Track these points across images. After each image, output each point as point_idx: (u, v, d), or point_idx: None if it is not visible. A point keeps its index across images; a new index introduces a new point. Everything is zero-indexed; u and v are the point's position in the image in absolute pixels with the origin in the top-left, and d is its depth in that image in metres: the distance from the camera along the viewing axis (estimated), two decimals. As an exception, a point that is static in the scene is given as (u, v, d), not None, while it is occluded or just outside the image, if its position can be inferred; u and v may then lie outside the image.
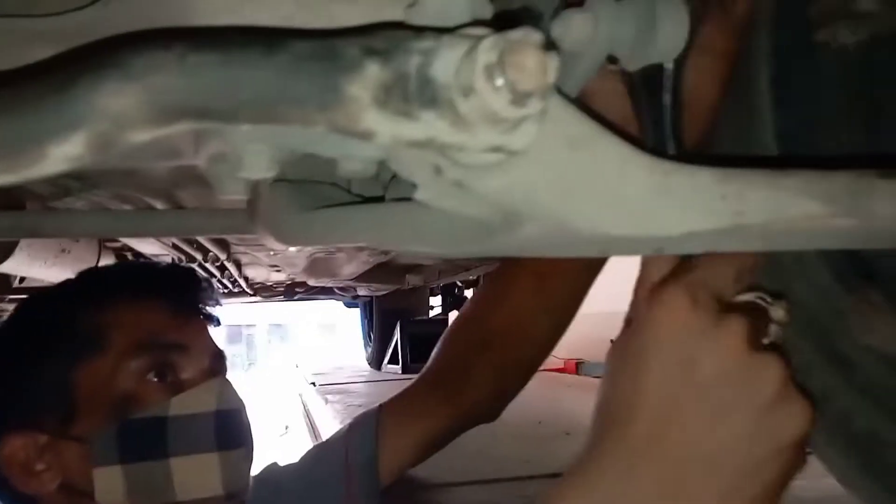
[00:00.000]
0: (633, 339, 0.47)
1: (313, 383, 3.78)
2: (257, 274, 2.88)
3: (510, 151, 0.36)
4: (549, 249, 0.56)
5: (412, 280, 3.23)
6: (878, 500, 0.62)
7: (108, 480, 0.73)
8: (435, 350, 1.08)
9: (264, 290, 3.88)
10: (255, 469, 0.99)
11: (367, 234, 0.57)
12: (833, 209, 0.40)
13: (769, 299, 0.51)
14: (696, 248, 0.49)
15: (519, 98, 0.33)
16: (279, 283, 3.57)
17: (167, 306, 0.82)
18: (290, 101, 0.32)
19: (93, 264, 1.80)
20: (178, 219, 1.05)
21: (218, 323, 0.89)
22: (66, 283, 0.88)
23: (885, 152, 0.69)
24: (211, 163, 0.60)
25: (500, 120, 0.34)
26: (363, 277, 2.81)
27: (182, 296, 0.84)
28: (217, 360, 0.84)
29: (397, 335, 4.40)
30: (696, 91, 0.57)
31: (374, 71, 0.33)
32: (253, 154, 0.49)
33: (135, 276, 0.87)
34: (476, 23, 0.38)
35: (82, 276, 0.90)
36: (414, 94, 0.34)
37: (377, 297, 4.72)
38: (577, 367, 7.58)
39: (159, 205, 1.07)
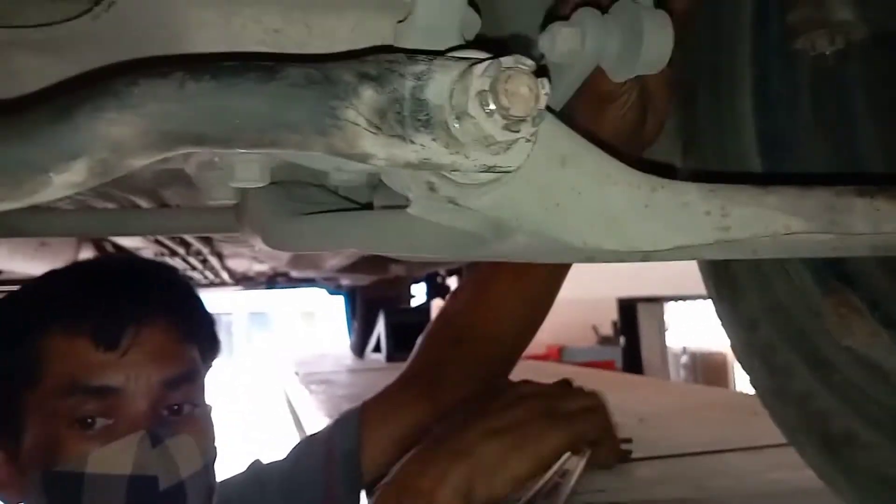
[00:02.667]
0: None
1: (296, 373, 3.78)
2: (239, 265, 2.87)
3: (503, 171, 0.37)
4: (538, 257, 0.57)
5: (396, 270, 3.23)
6: (853, 498, 0.64)
7: None
8: (416, 346, 1.10)
9: (246, 280, 3.86)
10: (241, 466, 1.00)
11: (359, 241, 0.58)
12: (813, 225, 0.41)
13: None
14: (683, 258, 0.50)
15: (512, 123, 0.33)
16: (261, 274, 3.56)
17: (92, 339, 0.71)
18: (287, 127, 0.32)
19: (72, 258, 1.79)
20: (163, 218, 1.04)
21: (188, 326, 0.78)
22: (25, 293, 0.80)
23: (858, 159, 0.70)
24: (200, 169, 0.60)
25: (494, 142, 0.35)
26: (347, 268, 2.81)
27: (115, 322, 0.72)
28: (176, 386, 0.74)
29: (381, 324, 4.40)
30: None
31: (369, 95, 0.34)
32: (244, 164, 0.50)
33: (68, 298, 0.75)
34: (468, 45, 0.39)
35: (39, 286, 0.81)
36: (408, 117, 0.35)
37: (360, 286, 4.72)
38: (560, 352, 7.67)
39: (144, 203, 1.07)
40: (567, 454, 0.75)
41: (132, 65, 0.31)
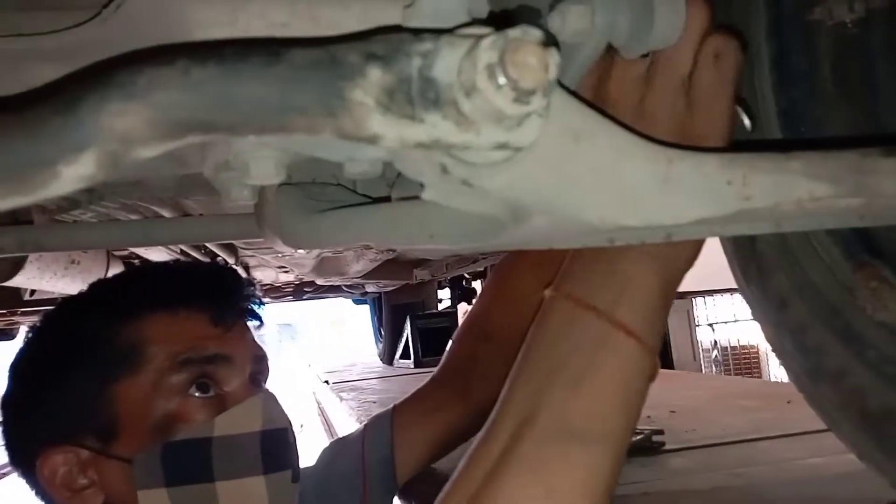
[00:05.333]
0: None
1: (326, 381, 3.79)
2: (265, 276, 2.88)
3: (515, 148, 0.37)
4: (558, 241, 0.56)
5: (420, 274, 3.23)
6: (895, 474, 0.62)
7: (153, 503, 0.71)
8: (446, 349, 1.10)
9: (273, 292, 3.88)
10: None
11: (376, 233, 0.57)
12: (839, 189, 0.40)
13: None
14: (706, 233, 0.49)
15: (522, 95, 0.33)
16: (288, 284, 3.57)
17: (206, 314, 0.79)
18: (295, 110, 0.32)
19: (102, 274, 1.81)
20: (186, 227, 1.05)
21: (262, 323, 0.86)
22: (99, 292, 0.84)
23: (884, 131, 0.68)
24: (217, 171, 0.60)
25: (504, 117, 0.34)
26: (371, 274, 2.82)
27: (222, 301, 0.81)
28: (259, 363, 0.82)
29: (408, 329, 4.41)
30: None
31: (376, 75, 0.33)
32: (259, 161, 0.50)
33: (171, 283, 0.82)
34: (474, 22, 0.38)
35: (115, 284, 0.86)
36: (417, 96, 0.34)
37: (386, 292, 4.73)
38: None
39: (166, 213, 1.08)
40: None
41: (135, 55, 0.31)
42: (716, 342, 8.77)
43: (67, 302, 0.85)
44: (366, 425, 1.06)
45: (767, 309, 0.75)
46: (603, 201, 0.41)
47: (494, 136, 0.35)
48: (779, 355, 0.75)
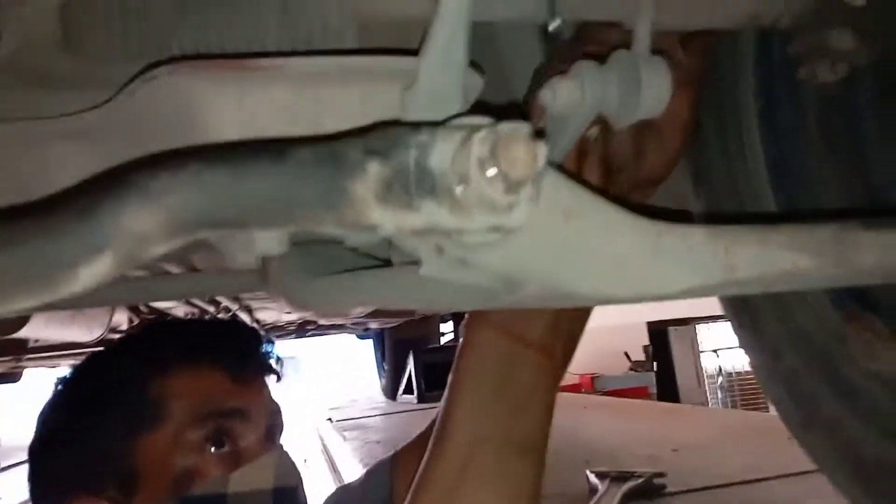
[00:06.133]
0: None
1: (330, 419, 3.78)
2: (268, 316, 2.90)
3: (507, 230, 0.39)
4: (552, 304, 0.58)
5: (422, 310, 3.24)
6: (891, 525, 0.63)
7: None
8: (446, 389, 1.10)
9: (276, 330, 3.89)
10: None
11: (377, 298, 0.59)
12: (821, 261, 0.41)
13: None
14: (694, 297, 0.51)
15: (512, 186, 0.35)
16: (291, 323, 3.59)
17: (227, 371, 0.81)
18: (300, 205, 0.34)
19: (107, 322, 1.83)
20: (193, 282, 1.07)
21: (279, 378, 0.89)
22: (126, 346, 0.87)
23: (871, 185, 0.70)
24: (221, 239, 0.62)
25: (496, 205, 0.36)
26: (373, 312, 2.83)
27: (242, 358, 0.83)
28: (274, 418, 0.84)
29: (411, 365, 4.40)
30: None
31: (375, 169, 0.35)
32: (264, 236, 0.52)
33: (195, 340, 0.85)
34: (472, 111, 0.40)
35: (142, 339, 0.89)
36: (414, 186, 0.36)
37: (388, 328, 4.73)
38: (593, 381, 7.58)
39: (173, 269, 1.10)
40: None
41: (150, 159, 0.33)
42: (720, 368, 8.72)
43: (97, 355, 0.87)
44: (367, 471, 1.07)
45: (761, 358, 0.76)
46: (594, 275, 0.43)
47: (487, 220, 0.37)
48: (774, 403, 0.76)
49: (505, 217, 0.38)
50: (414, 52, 0.46)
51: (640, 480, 1.26)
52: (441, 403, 0.68)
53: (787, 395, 0.72)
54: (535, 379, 0.64)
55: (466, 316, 0.69)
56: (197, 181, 0.32)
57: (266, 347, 0.88)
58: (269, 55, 0.49)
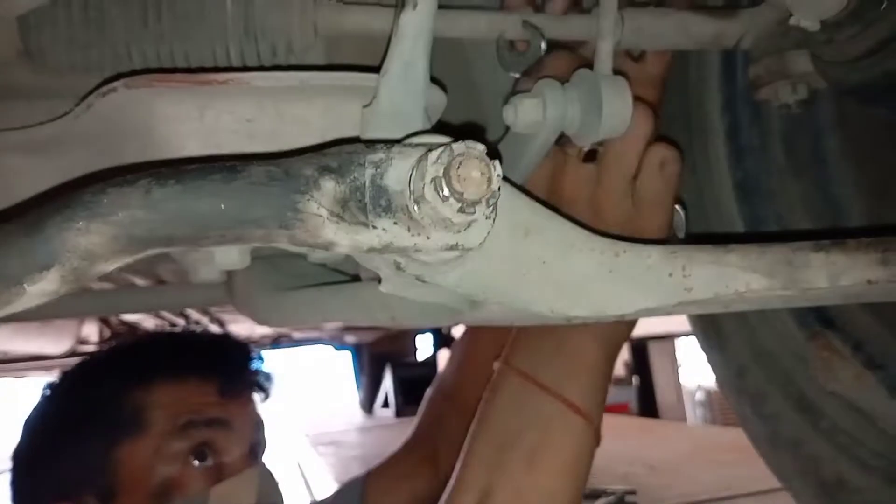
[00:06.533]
0: None
1: (306, 434, 3.75)
2: (241, 328, 2.87)
3: (465, 249, 0.39)
4: (515, 322, 0.58)
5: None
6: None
7: None
8: (419, 409, 1.10)
9: (250, 342, 3.85)
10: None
11: (341, 313, 0.59)
12: (773, 283, 0.42)
13: None
14: (650, 316, 0.51)
15: (467, 206, 0.35)
16: (265, 336, 3.56)
17: (214, 384, 0.80)
18: (251, 223, 0.34)
19: (76, 333, 1.80)
20: (158, 295, 1.06)
21: (268, 396, 0.88)
22: (113, 357, 0.87)
23: (833, 201, 0.72)
24: (183, 254, 0.62)
25: (452, 224, 0.36)
26: (347, 325, 2.81)
27: (231, 372, 0.83)
28: (259, 434, 0.83)
29: (387, 379, 4.38)
30: None
31: (329, 187, 0.35)
32: (223, 250, 0.51)
33: (183, 352, 0.84)
34: (431, 129, 0.40)
35: (130, 350, 0.89)
36: (370, 203, 0.36)
37: (366, 342, 4.71)
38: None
39: (139, 281, 1.09)
40: None
41: (101, 175, 0.33)
42: (699, 385, 8.76)
43: (83, 364, 0.87)
44: (339, 490, 1.06)
45: (727, 374, 0.77)
46: (552, 293, 0.43)
47: (444, 239, 0.37)
48: (741, 421, 0.77)
49: (461, 236, 0.38)
50: (378, 70, 0.46)
51: (612, 497, 1.26)
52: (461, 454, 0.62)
53: (752, 413, 0.72)
54: (570, 444, 0.56)
55: (496, 362, 0.63)
56: (146, 198, 0.32)
57: (257, 364, 0.87)
58: (232, 70, 0.49)
